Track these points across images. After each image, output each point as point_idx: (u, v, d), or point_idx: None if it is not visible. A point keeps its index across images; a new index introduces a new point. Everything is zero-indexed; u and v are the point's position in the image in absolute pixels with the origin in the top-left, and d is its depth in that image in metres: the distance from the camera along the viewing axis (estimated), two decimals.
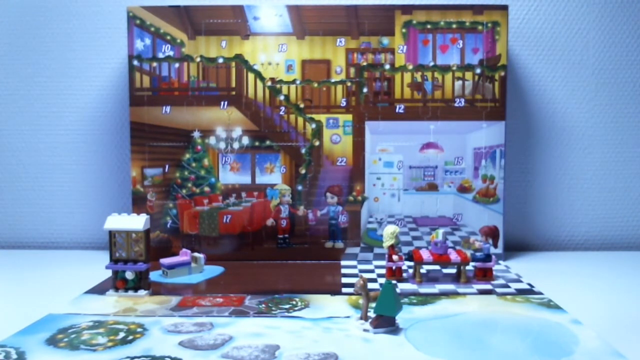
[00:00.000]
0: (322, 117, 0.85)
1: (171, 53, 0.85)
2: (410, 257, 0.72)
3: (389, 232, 0.72)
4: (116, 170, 0.94)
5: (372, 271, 0.78)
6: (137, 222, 0.65)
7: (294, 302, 0.62)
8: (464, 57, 0.84)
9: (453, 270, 0.75)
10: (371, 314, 0.55)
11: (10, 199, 0.96)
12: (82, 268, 0.79)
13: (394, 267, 0.72)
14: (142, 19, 0.84)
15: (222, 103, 0.85)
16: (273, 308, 0.60)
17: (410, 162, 0.86)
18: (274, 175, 0.86)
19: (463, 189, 0.86)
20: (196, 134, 0.85)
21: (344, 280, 0.73)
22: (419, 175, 0.87)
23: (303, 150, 0.85)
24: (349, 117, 0.85)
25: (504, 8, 0.84)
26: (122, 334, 0.52)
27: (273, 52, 0.85)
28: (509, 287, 0.69)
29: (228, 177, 0.86)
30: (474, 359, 0.47)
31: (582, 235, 0.95)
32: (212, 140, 0.85)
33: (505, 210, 0.86)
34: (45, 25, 0.93)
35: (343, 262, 0.83)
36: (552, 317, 0.57)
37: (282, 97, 0.85)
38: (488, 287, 0.69)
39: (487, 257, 0.72)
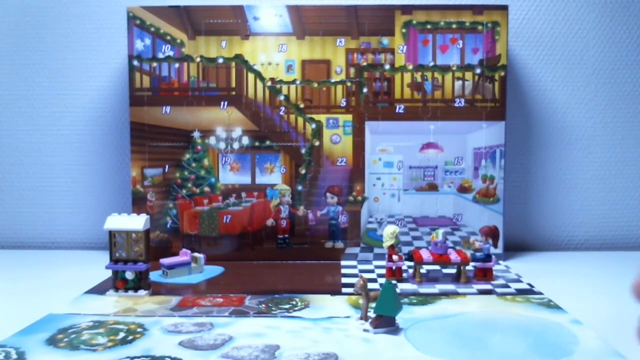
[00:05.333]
0: (322, 117, 0.85)
1: (171, 53, 0.85)
2: (410, 257, 0.72)
3: (389, 232, 0.72)
4: (116, 170, 0.94)
5: (372, 271, 0.78)
6: (137, 222, 0.65)
7: (294, 302, 0.62)
8: (464, 57, 0.84)
9: (453, 270, 0.75)
10: (371, 314, 0.55)
11: (10, 199, 0.96)
12: (82, 268, 0.79)
13: (394, 267, 0.72)
14: (142, 19, 0.84)
15: (222, 103, 0.85)
16: (273, 308, 0.60)
17: (410, 162, 0.86)
18: (274, 176, 0.86)
19: (463, 189, 0.86)
20: (196, 134, 0.85)
21: (344, 280, 0.73)
22: (419, 176, 0.87)
23: (303, 150, 0.85)
24: (349, 117, 0.85)
25: (504, 8, 0.84)
26: (122, 334, 0.52)
27: (273, 52, 0.85)
28: (509, 287, 0.69)
29: (228, 177, 0.86)
30: (474, 359, 0.47)
31: (582, 235, 0.95)
32: (212, 140, 0.85)
33: (505, 210, 0.86)
34: (45, 25, 0.93)
35: (343, 262, 0.83)
36: (552, 317, 0.57)
37: (282, 97, 0.85)
38: (488, 287, 0.69)
39: (487, 257, 0.72)
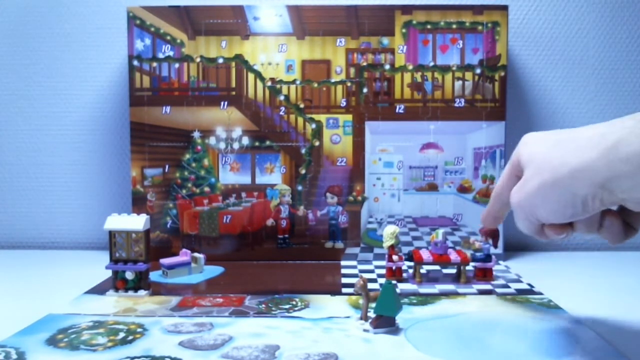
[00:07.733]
0: (322, 117, 0.85)
1: (171, 53, 0.85)
2: (410, 257, 0.72)
3: (389, 232, 0.72)
4: (116, 170, 0.94)
5: (372, 271, 0.78)
6: (137, 222, 0.65)
7: (294, 302, 0.62)
8: (464, 57, 0.84)
9: (453, 271, 0.75)
10: (371, 314, 0.55)
11: (10, 199, 0.96)
12: (82, 268, 0.79)
13: (394, 267, 0.72)
14: (142, 19, 0.84)
15: (222, 103, 0.85)
16: (273, 308, 0.60)
17: (410, 162, 0.86)
18: (274, 176, 0.86)
19: (463, 189, 0.86)
20: (196, 134, 0.85)
21: (344, 280, 0.73)
22: (419, 176, 0.87)
23: (303, 151, 0.85)
24: (349, 117, 0.85)
25: (504, 8, 0.84)
26: (122, 334, 0.52)
27: (273, 52, 0.85)
28: (509, 287, 0.69)
29: (228, 177, 0.86)
30: (474, 359, 0.47)
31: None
32: (212, 140, 0.85)
33: None
34: (45, 25, 0.93)
35: (343, 262, 0.83)
36: (552, 317, 0.58)
37: (282, 97, 0.85)
38: (488, 287, 0.69)
39: (487, 257, 0.72)
